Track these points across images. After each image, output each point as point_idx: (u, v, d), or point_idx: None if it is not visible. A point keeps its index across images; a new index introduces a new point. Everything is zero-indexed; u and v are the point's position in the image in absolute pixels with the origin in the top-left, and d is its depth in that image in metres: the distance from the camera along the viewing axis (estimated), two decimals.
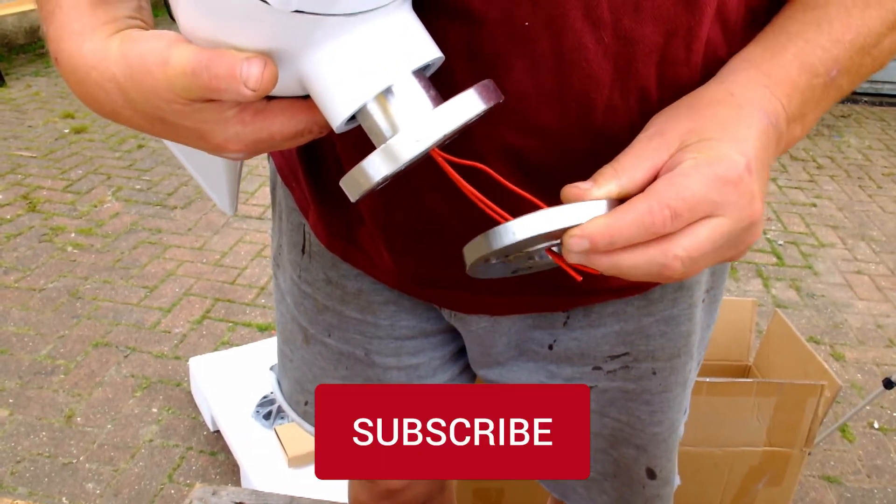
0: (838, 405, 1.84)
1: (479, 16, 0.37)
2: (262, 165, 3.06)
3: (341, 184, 0.35)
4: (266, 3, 0.29)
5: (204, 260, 2.37)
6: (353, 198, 0.35)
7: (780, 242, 2.67)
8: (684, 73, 0.40)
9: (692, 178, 0.33)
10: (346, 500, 0.87)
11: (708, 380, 1.17)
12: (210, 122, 0.35)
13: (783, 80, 0.38)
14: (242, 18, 0.31)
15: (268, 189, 2.88)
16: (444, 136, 0.33)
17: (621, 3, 0.36)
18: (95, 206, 2.69)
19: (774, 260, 2.54)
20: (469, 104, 0.33)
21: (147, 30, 0.36)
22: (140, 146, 3.23)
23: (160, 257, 2.38)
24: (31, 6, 4.05)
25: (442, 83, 0.37)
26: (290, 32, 0.32)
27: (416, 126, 0.32)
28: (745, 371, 1.51)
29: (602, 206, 0.33)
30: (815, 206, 2.97)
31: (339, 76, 0.33)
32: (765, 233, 2.74)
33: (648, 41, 0.38)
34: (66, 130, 3.37)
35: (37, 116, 3.53)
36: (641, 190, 0.34)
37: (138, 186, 2.87)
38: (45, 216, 2.61)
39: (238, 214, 2.67)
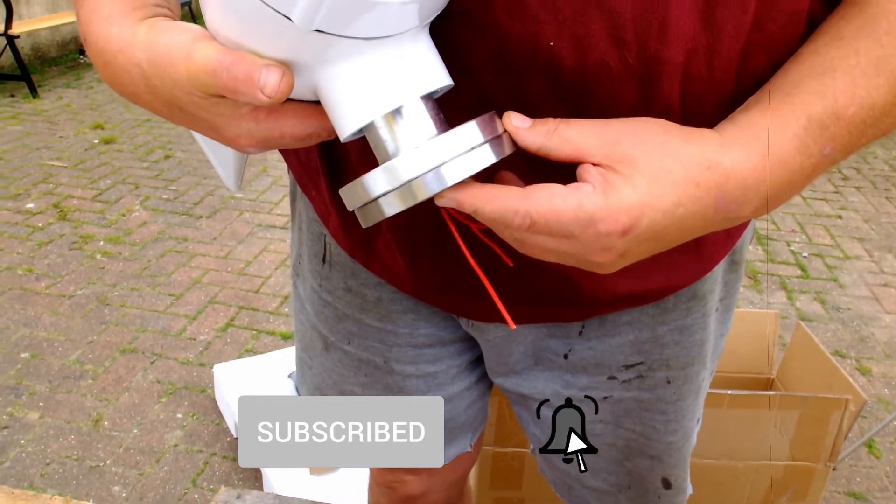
0: (865, 420, 1.81)
1: (506, 32, 0.38)
2: (286, 176, 3.10)
3: (341, 192, 0.37)
4: (289, 19, 0.31)
5: (229, 269, 2.41)
6: (350, 207, 0.37)
7: (805, 254, 2.64)
8: (708, 88, 0.39)
9: (567, 210, 0.34)
10: None
11: (730, 392, 1.16)
12: (224, 117, 0.36)
13: (776, 162, 0.36)
14: (265, 29, 0.32)
15: None
16: (446, 161, 0.34)
17: (646, 26, 0.36)
18: (123, 215, 2.75)
19: (799, 272, 2.51)
20: (472, 134, 0.34)
21: (174, 20, 0.37)
22: (167, 156, 3.29)
23: (186, 266, 2.42)
24: (64, 20, 4.16)
25: (469, 94, 0.38)
26: (309, 47, 0.33)
27: (418, 149, 0.34)
28: (767, 384, 1.49)
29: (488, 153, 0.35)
30: (840, 217, 2.93)
31: (350, 93, 0.35)
32: (789, 244, 2.71)
33: (672, 61, 0.38)
34: (96, 141, 3.44)
35: (68, 127, 3.61)
36: (556, 159, 0.36)
37: (165, 196, 2.92)
38: (75, 224, 2.66)
39: (262, 224, 2.71)
